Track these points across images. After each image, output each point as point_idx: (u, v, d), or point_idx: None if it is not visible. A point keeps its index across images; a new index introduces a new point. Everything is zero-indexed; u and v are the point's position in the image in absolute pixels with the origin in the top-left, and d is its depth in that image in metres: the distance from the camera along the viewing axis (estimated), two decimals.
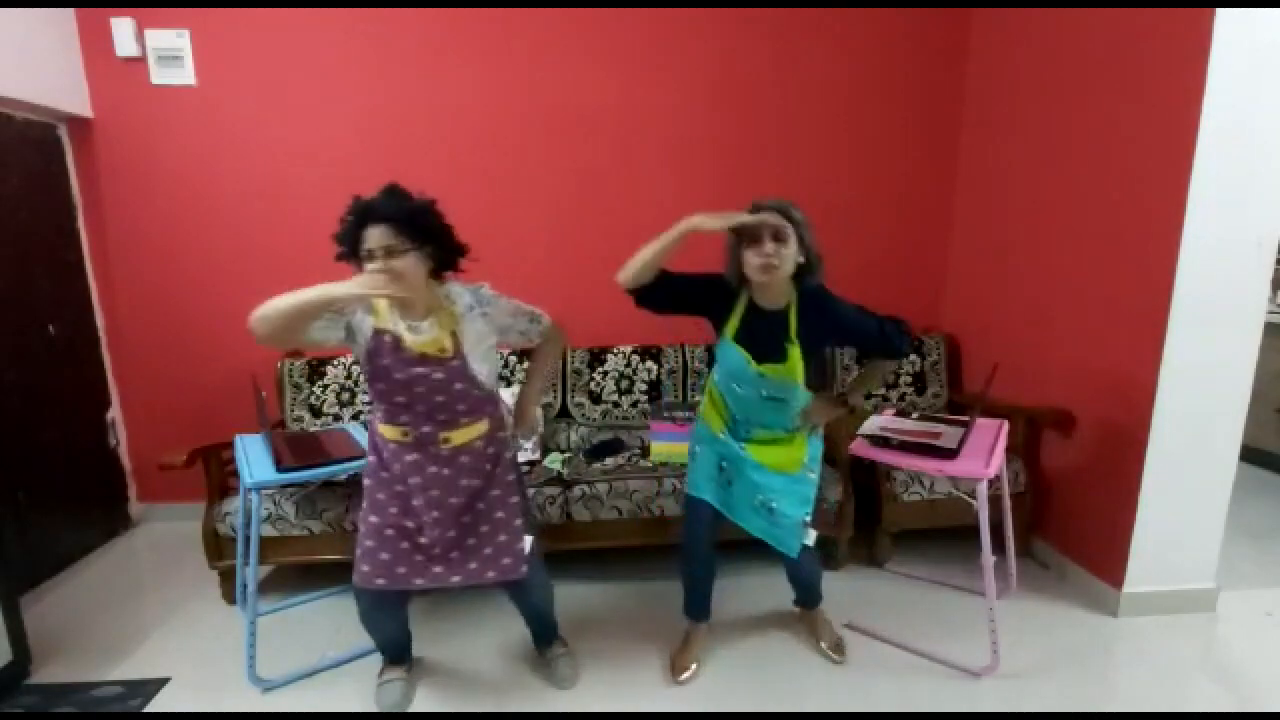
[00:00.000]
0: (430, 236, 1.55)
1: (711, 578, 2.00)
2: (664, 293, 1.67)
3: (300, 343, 1.53)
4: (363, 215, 1.51)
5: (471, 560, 1.67)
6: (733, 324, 1.72)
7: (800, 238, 1.60)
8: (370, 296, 1.46)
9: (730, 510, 1.85)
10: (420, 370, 1.55)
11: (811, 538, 1.81)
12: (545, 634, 1.99)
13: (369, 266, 1.50)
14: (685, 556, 1.96)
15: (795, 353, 1.66)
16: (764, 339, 1.67)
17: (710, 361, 2.88)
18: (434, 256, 1.57)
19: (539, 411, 1.79)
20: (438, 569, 1.65)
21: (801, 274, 1.65)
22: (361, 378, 2.73)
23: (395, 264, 1.48)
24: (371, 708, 1.84)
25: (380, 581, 1.63)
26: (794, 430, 1.80)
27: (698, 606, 2.02)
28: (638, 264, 1.61)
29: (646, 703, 1.85)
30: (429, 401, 1.58)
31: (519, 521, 1.70)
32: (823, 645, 2.02)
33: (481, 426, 1.66)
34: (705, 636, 2.05)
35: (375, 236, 1.49)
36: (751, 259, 1.59)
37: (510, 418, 1.80)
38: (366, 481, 1.67)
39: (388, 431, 1.63)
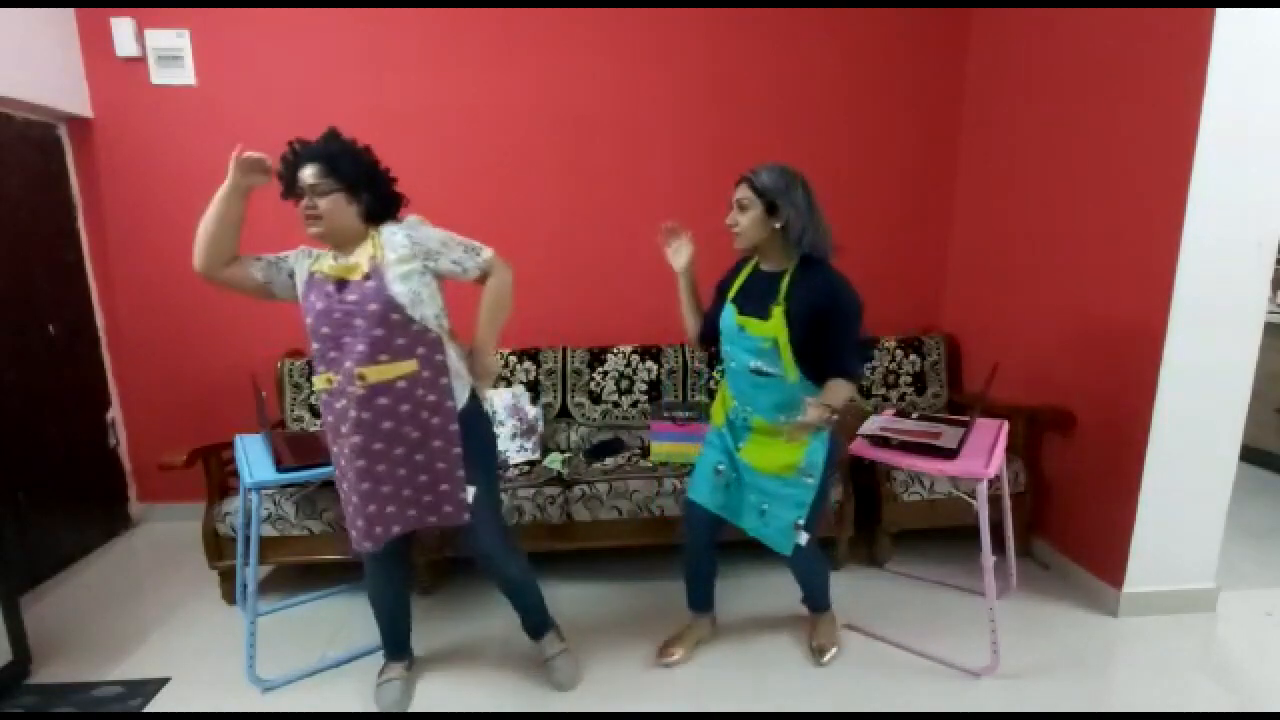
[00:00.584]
0: (359, 180, 1.59)
1: (710, 573, 2.03)
2: (714, 330, 1.84)
3: (246, 282, 1.67)
4: (296, 153, 1.61)
5: (410, 508, 1.67)
6: (736, 285, 1.79)
7: (772, 206, 1.64)
8: (243, 171, 1.60)
9: (729, 511, 1.86)
10: (339, 296, 1.57)
11: (803, 539, 1.76)
12: (530, 619, 1.94)
13: (301, 205, 1.58)
14: (685, 553, 2.00)
15: (778, 312, 1.65)
16: (756, 297, 1.72)
17: (711, 362, 2.88)
18: (366, 202, 1.60)
19: (496, 359, 1.76)
20: (379, 528, 1.65)
21: (800, 241, 1.66)
22: None
23: (320, 202, 1.55)
24: (371, 708, 1.84)
25: (367, 544, 1.65)
26: (788, 422, 1.71)
27: (695, 599, 2.06)
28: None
29: (646, 703, 1.85)
30: (349, 330, 1.55)
31: (460, 473, 1.67)
32: (811, 644, 2.03)
33: (405, 367, 1.57)
34: (705, 629, 2.08)
35: (306, 175, 1.57)
36: (727, 222, 1.72)
37: (463, 365, 1.72)
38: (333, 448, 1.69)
39: (319, 383, 1.62)
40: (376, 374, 1.55)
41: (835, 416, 1.65)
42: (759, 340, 1.68)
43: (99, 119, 2.72)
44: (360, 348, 1.54)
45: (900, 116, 2.98)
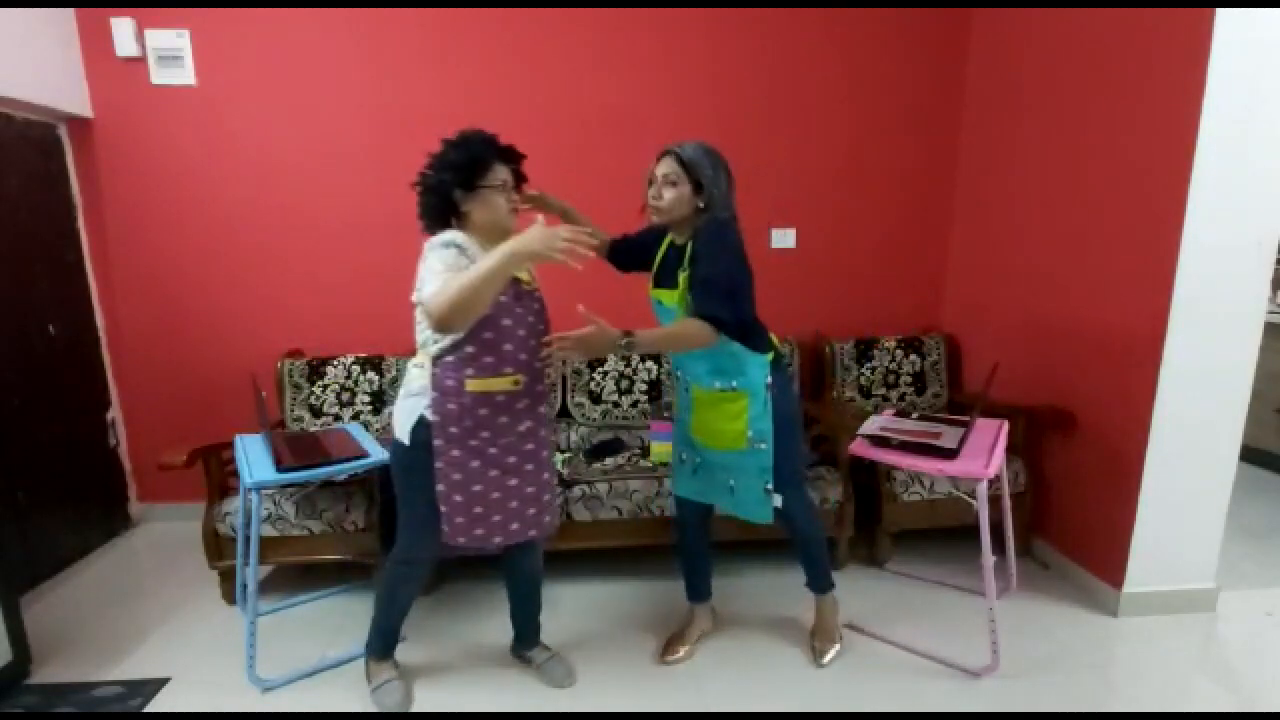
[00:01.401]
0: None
1: (706, 562, 2.07)
2: (620, 256, 1.92)
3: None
4: (500, 153, 1.62)
5: (549, 510, 1.76)
6: (656, 260, 1.84)
7: (698, 185, 1.66)
8: (546, 255, 1.43)
9: (704, 495, 1.92)
10: (527, 303, 1.62)
11: (778, 500, 1.77)
12: (535, 621, 1.97)
13: (502, 197, 1.60)
14: (680, 545, 2.07)
15: (683, 278, 1.68)
16: (668, 270, 1.77)
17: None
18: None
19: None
20: (547, 518, 1.74)
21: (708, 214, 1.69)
22: (361, 376, 2.73)
23: (517, 200, 1.64)
24: (371, 708, 1.84)
25: (497, 539, 1.66)
26: (732, 386, 1.73)
27: (694, 589, 2.09)
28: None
29: (646, 703, 1.85)
30: (536, 334, 1.63)
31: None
32: (813, 643, 2.02)
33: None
34: (706, 620, 2.11)
35: (507, 174, 1.62)
36: (647, 196, 1.75)
37: None
38: (454, 452, 1.58)
39: (494, 384, 1.57)
40: (552, 373, 1.69)
41: (620, 345, 1.50)
42: (673, 309, 1.73)
43: (99, 119, 2.72)
44: (545, 353, 1.59)
45: (900, 116, 2.98)
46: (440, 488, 1.61)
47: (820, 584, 2.01)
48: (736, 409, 1.75)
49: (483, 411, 1.59)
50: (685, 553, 2.06)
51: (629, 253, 1.92)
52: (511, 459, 1.64)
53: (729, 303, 1.59)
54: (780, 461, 1.76)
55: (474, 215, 1.60)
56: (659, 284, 1.80)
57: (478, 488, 1.62)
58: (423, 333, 1.60)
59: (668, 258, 1.80)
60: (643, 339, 1.52)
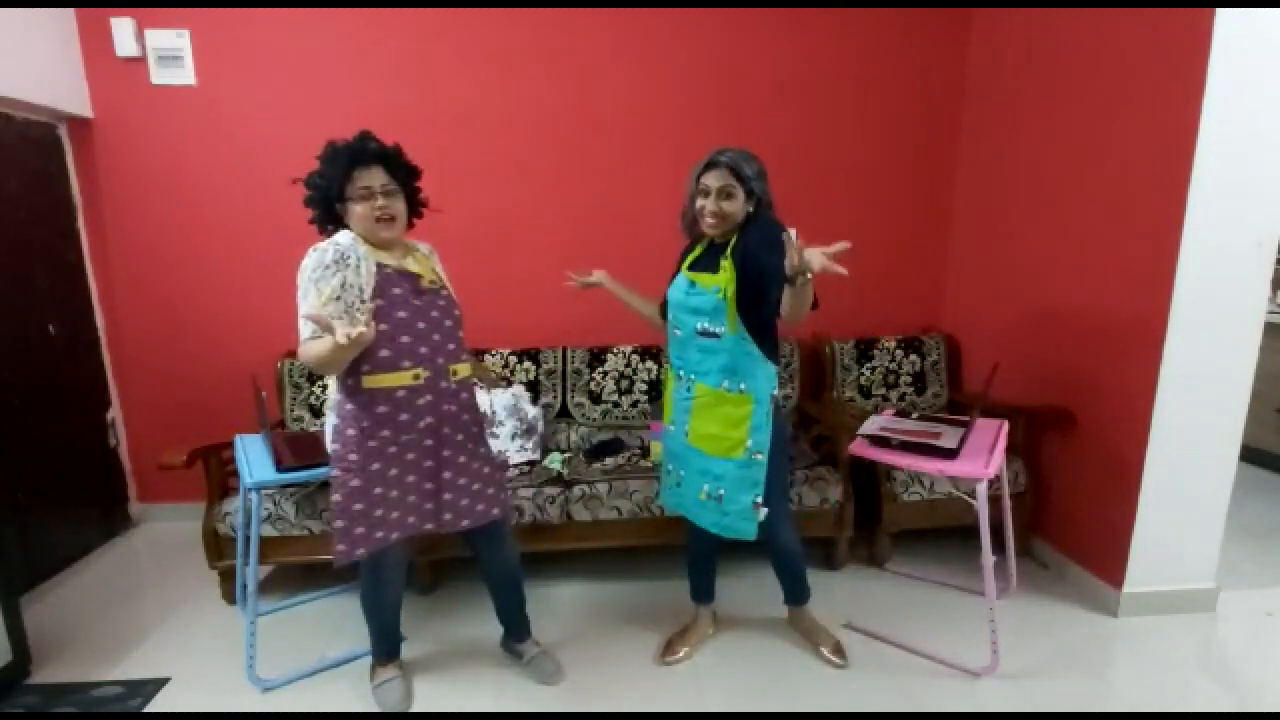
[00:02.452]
0: (409, 182, 1.64)
1: (710, 564, 2.07)
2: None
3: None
4: (355, 155, 1.54)
5: (479, 503, 1.74)
6: (689, 259, 1.84)
7: (750, 191, 1.69)
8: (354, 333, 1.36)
9: (684, 509, 1.89)
10: (425, 298, 1.61)
11: (763, 515, 1.75)
12: (521, 614, 1.98)
13: (364, 206, 1.53)
14: (689, 547, 2.06)
15: (728, 264, 1.69)
16: (708, 261, 1.77)
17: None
18: (409, 203, 1.65)
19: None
20: (448, 515, 1.69)
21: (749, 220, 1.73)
22: None
23: (396, 204, 1.57)
24: (371, 708, 1.84)
25: (395, 535, 1.64)
26: (740, 389, 1.72)
27: (697, 589, 2.11)
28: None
29: (646, 703, 1.85)
30: (441, 329, 1.63)
31: (500, 473, 1.83)
32: (824, 651, 2.00)
33: (469, 366, 1.73)
34: (707, 623, 2.12)
35: (372, 176, 1.54)
36: (704, 211, 1.71)
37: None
38: (351, 457, 1.57)
39: (394, 379, 1.56)
40: (463, 371, 1.69)
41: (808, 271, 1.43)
42: (708, 294, 1.71)
43: (99, 119, 2.72)
44: (451, 347, 1.65)
45: (900, 116, 2.98)
46: (336, 498, 1.57)
47: (802, 596, 2.06)
48: (740, 415, 1.73)
49: (381, 409, 1.57)
50: (694, 554, 2.05)
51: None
52: (410, 455, 1.63)
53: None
54: (771, 476, 1.75)
55: (350, 222, 1.58)
56: (696, 268, 1.79)
57: (377, 490, 1.59)
58: None
59: (707, 255, 1.80)
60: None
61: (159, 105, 2.72)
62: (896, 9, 2.87)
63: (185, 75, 2.70)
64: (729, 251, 1.71)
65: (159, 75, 2.70)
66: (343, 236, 1.55)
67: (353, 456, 1.58)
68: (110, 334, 2.89)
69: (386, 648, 1.90)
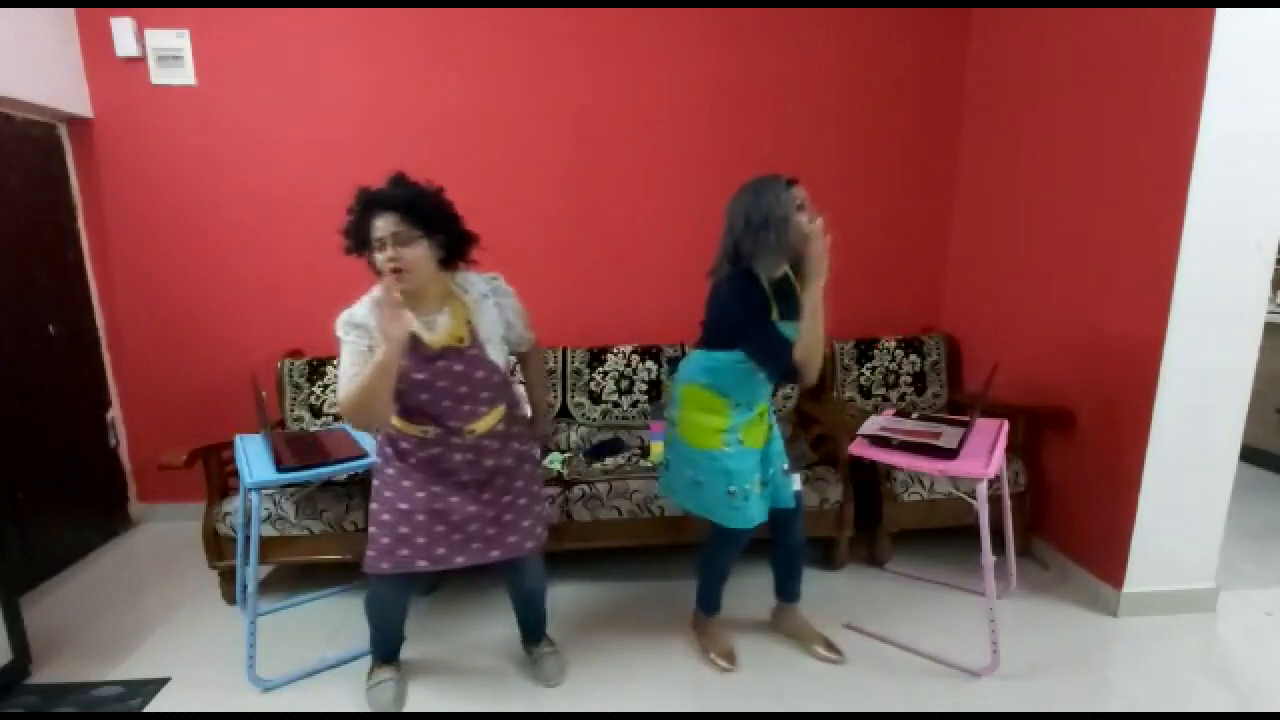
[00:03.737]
0: (437, 223, 1.54)
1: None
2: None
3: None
4: (369, 204, 1.51)
5: (511, 535, 1.73)
6: (774, 307, 1.71)
7: None
8: (391, 322, 1.41)
9: (778, 501, 1.92)
10: (441, 364, 1.57)
11: (798, 483, 1.93)
12: (537, 627, 1.99)
13: (378, 256, 1.50)
14: (725, 565, 2.01)
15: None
16: (789, 303, 1.72)
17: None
18: (444, 245, 1.57)
19: (550, 428, 1.92)
20: (476, 545, 1.69)
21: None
22: None
23: (405, 252, 1.48)
24: (369, 706, 1.84)
25: (422, 564, 1.64)
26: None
27: (718, 600, 2.09)
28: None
29: (646, 703, 1.85)
30: (453, 394, 1.60)
31: (543, 492, 1.83)
32: (818, 650, 2.01)
33: (500, 411, 1.71)
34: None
35: (383, 225, 1.48)
36: (804, 229, 1.63)
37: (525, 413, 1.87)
38: (388, 470, 1.66)
39: (407, 428, 1.63)
40: (483, 426, 1.66)
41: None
42: (794, 330, 1.70)
43: (99, 119, 2.72)
44: (467, 408, 1.62)
45: (900, 116, 2.98)
46: (374, 505, 1.65)
47: (799, 592, 2.10)
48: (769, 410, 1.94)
49: (403, 445, 1.66)
50: (728, 567, 2.02)
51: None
52: (436, 488, 1.65)
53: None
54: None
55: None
56: (787, 316, 1.70)
57: (404, 506, 1.63)
58: None
59: (783, 291, 1.73)
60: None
61: (159, 105, 2.72)
62: (896, 9, 2.86)
63: (185, 75, 2.70)
64: (796, 291, 1.73)
65: (159, 75, 2.70)
66: (362, 303, 1.57)
67: (389, 471, 1.66)
68: (110, 334, 2.89)
69: (385, 651, 1.90)
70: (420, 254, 1.51)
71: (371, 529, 1.65)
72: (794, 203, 1.66)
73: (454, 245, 1.59)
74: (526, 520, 1.76)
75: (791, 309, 1.70)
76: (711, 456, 1.80)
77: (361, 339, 1.52)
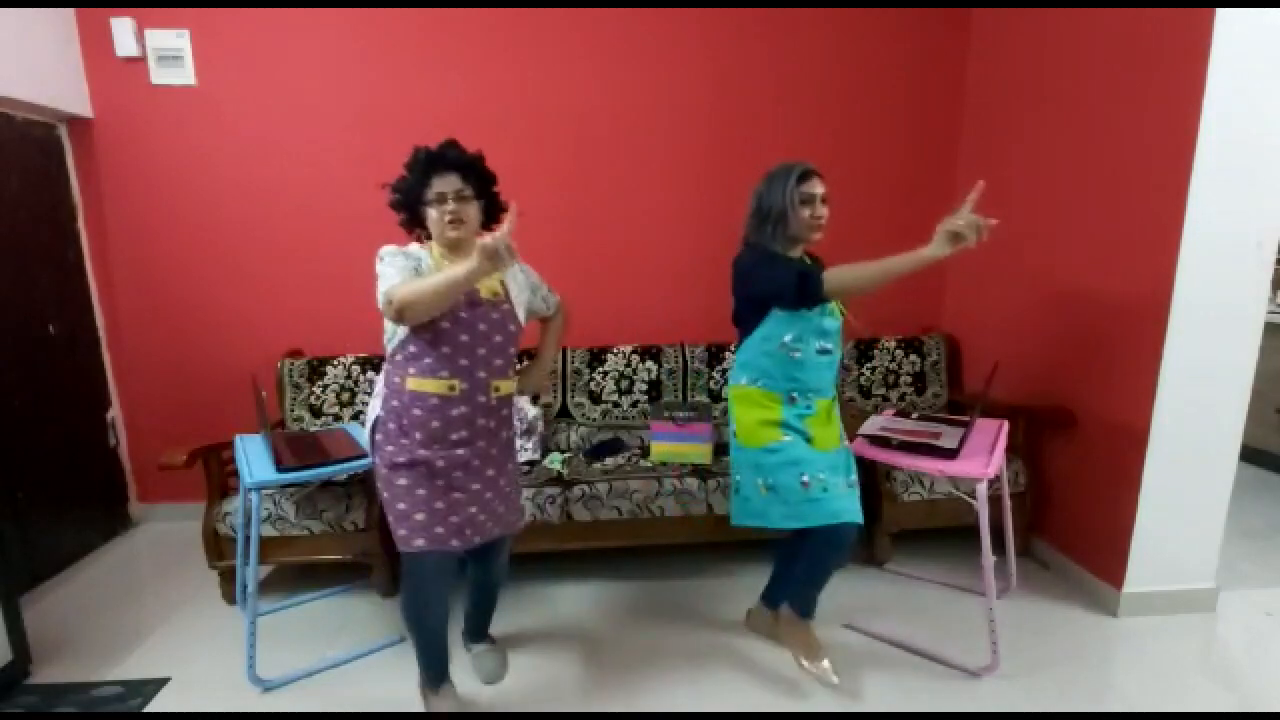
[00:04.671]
0: (486, 188, 1.65)
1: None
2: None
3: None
4: (433, 162, 1.58)
5: (510, 513, 1.78)
6: None
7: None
8: (498, 253, 1.36)
9: (843, 513, 1.72)
10: (482, 310, 1.60)
11: (857, 500, 1.78)
12: (486, 620, 2.01)
13: (437, 210, 1.56)
14: (829, 568, 1.88)
15: None
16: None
17: (711, 361, 2.87)
18: (484, 209, 1.65)
19: (526, 400, 1.89)
20: (490, 524, 1.70)
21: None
22: (361, 376, 2.73)
23: (465, 208, 1.57)
24: (371, 707, 1.84)
25: (455, 543, 1.62)
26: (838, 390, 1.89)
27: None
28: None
29: (646, 703, 1.85)
30: (488, 344, 1.61)
31: (516, 493, 1.84)
32: (824, 666, 1.83)
33: (514, 382, 1.73)
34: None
35: (447, 182, 1.57)
36: (816, 220, 1.72)
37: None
38: (400, 460, 1.58)
39: (429, 385, 1.56)
40: (506, 388, 1.68)
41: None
42: (834, 315, 1.78)
43: (99, 119, 2.72)
44: (498, 362, 1.64)
45: (900, 116, 2.98)
46: (385, 495, 1.62)
47: (813, 609, 1.93)
48: (836, 413, 1.88)
49: (417, 411, 1.58)
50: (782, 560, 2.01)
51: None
52: (441, 463, 1.60)
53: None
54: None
55: (429, 225, 1.61)
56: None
57: (421, 491, 1.59)
58: (386, 331, 1.62)
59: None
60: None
61: (159, 105, 2.72)
62: (896, 9, 2.87)
63: (185, 75, 2.70)
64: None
65: (159, 75, 2.70)
66: (413, 247, 1.63)
67: (390, 448, 1.60)
68: (110, 334, 2.89)
69: (430, 667, 1.75)
70: (473, 213, 1.60)
71: (390, 515, 1.60)
72: (798, 196, 1.69)
73: (492, 209, 1.69)
74: (517, 496, 1.81)
75: None
76: (771, 450, 1.74)
77: (410, 262, 1.56)
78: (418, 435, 1.59)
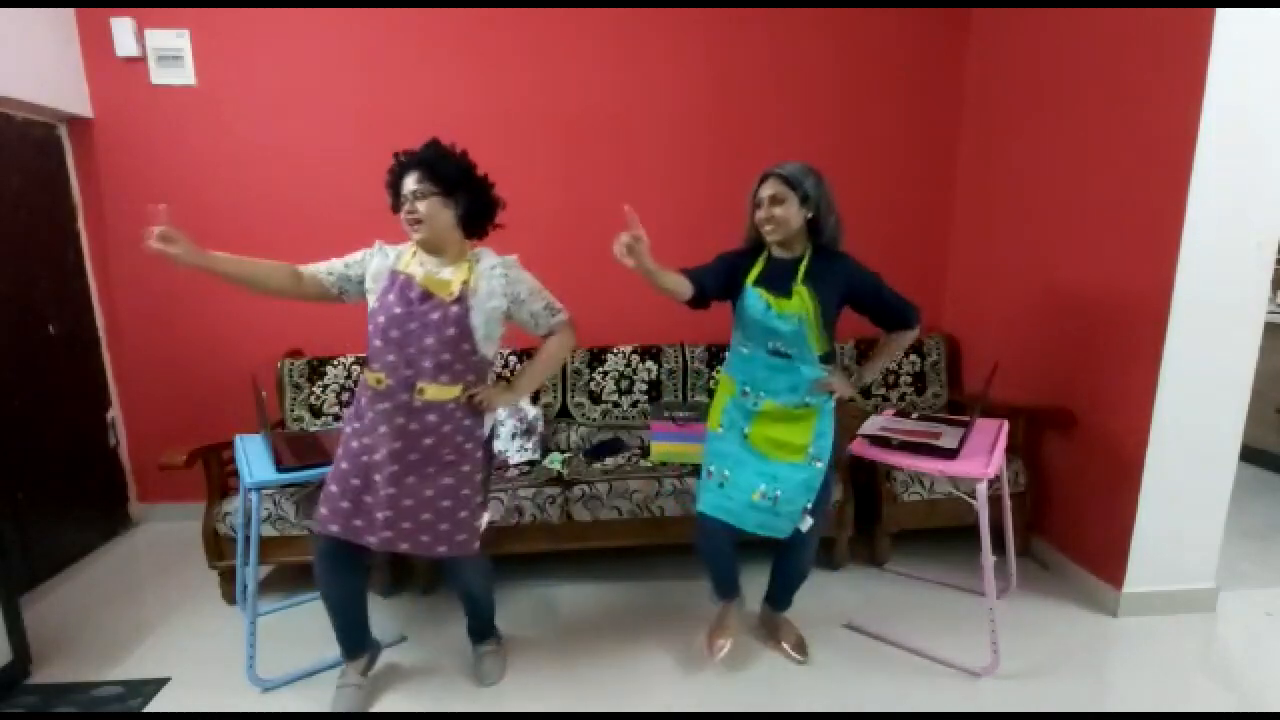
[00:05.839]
0: (456, 182, 1.62)
1: (729, 560, 2.00)
2: (705, 294, 1.77)
3: (322, 296, 1.71)
4: (399, 163, 1.63)
5: (424, 534, 1.65)
6: (754, 273, 1.81)
7: (804, 197, 1.73)
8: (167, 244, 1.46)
9: (726, 511, 1.83)
10: (420, 307, 1.60)
11: (806, 524, 1.81)
12: (481, 624, 1.98)
13: (402, 211, 1.61)
14: (706, 556, 1.98)
15: (803, 291, 1.73)
16: (777, 282, 1.77)
17: (711, 361, 2.88)
18: (465, 205, 1.65)
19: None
20: (388, 533, 1.63)
21: (817, 230, 1.78)
22: (361, 376, 2.73)
23: (420, 205, 1.58)
24: (372, 707, 1.84)
25: (334, 529, 1.64)
26: (805, 402, 1.80)
27: (724, 587, 2.04)
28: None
29: (646, 703, 1.85)
30: (419, 344, 1.59)
31: (480, 499, 1.73)
32: (784, 646, 2.02)
33: (456, 390, 1.64)
34: (738, 614, 2.09)
35: (408, 183, 1.60)
36: (762, 221, 1.76)
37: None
38: (345, 429, 1.71)
39: (369, 376, 1.64)
40: (435, 393, 1.61)
41: (853, 391, 1.81)
42: (785, 318, 1.74)
43: (99, 119, 2.72)
44: (426, 364, 1.60)
45: (900, 116, 2.98)
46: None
47: (787, 605, 2.08)
48: (805, 425, 1.81)
49: (363, 399, 1.68)
50: (711, 552, 1.98)
51: (720, 288, 1.80)
52: (364, 457, 1.65)
53: (908, 305, 1.87)
54: (824, 485, 1.82)
55: None
56: (769, 289, 1.77)
57: (345, 465, 1.67)
58: None
59: (773, 270, 1.80)
60: (870, 375, 2.00)
61: (159, 105, 2.72)
62: (896, 9, 2.87)
63: (185, 75, 2.70)
64: (799, 279, 1.74)
65: (159, 75, 2.70)
66: (397, 252, 1.70)
67: (347, 428, 1.71)
68: (110, 334, 2.89)
69: (343, 644, 1.83)
70: (432, 209, 1.59)
71: (328, 486, 1.69)
72: (754, 200, 1.78)
73: (476, 206, 1.67)
74: (446, 524, 1.66)
75: (773, 284, 1.77)
76: (710, 435, 1.91)
77: (358, 265, 1.69)
78: (356, 423, 1.67)
